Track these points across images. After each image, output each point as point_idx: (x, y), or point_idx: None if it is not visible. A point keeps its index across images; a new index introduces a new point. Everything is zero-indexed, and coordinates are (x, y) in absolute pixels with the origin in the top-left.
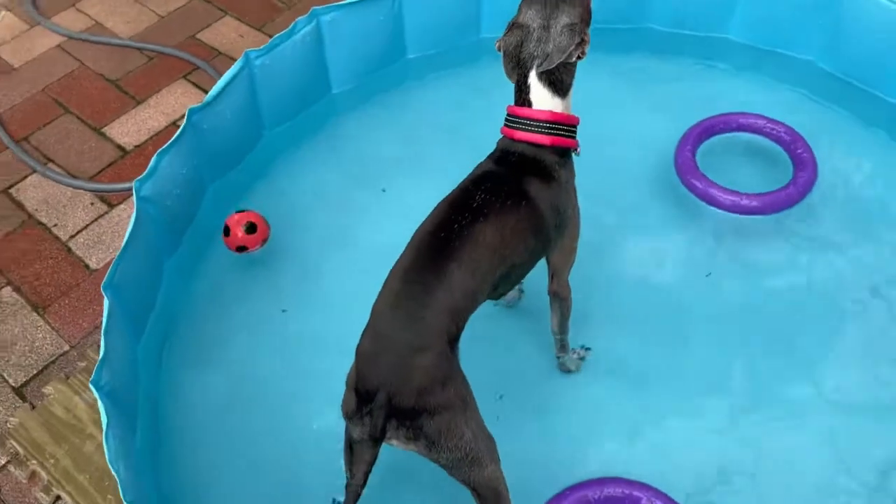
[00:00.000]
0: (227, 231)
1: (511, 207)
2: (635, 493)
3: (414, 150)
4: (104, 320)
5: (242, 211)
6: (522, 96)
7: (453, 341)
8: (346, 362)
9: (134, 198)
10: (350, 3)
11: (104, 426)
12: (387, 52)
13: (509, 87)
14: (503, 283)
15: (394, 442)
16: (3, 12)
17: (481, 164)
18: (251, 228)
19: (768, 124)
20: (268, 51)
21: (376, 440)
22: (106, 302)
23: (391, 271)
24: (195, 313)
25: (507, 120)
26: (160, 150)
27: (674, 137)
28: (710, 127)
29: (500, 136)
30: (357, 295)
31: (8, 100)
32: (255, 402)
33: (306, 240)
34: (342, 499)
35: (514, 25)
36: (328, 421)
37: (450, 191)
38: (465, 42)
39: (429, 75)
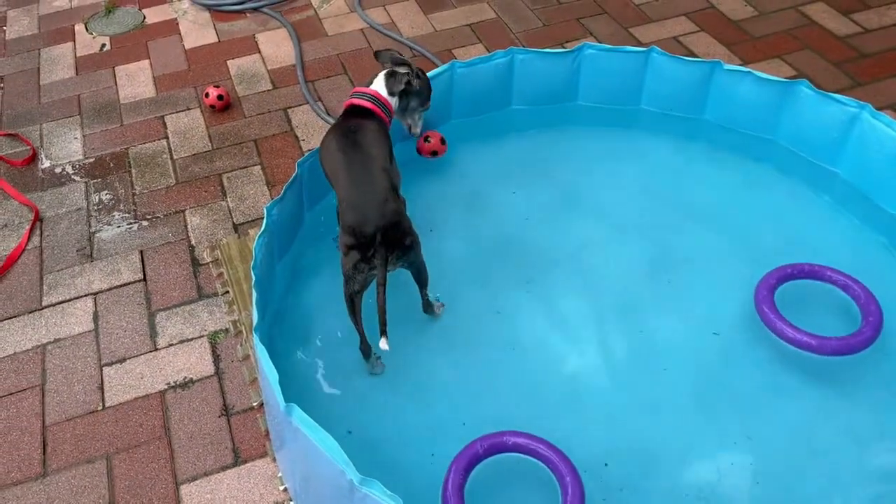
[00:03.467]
0: (427, 139)
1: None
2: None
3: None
4: (288, 183)
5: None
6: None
7: (396, 191)
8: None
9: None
10: (540, 51)
11: (259, 235)
12: (561, 93)
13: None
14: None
15: (390, 267)
16: None
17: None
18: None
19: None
20: (469, 65)
21: (385, 266)
22: (296, 171)
23: (338, 180)
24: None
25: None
26: None
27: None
28: (797, 271)
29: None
30: None
31: (314, 53)
32: None
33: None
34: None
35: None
36: None
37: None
38: (626, 108)
39: (594, 123)
